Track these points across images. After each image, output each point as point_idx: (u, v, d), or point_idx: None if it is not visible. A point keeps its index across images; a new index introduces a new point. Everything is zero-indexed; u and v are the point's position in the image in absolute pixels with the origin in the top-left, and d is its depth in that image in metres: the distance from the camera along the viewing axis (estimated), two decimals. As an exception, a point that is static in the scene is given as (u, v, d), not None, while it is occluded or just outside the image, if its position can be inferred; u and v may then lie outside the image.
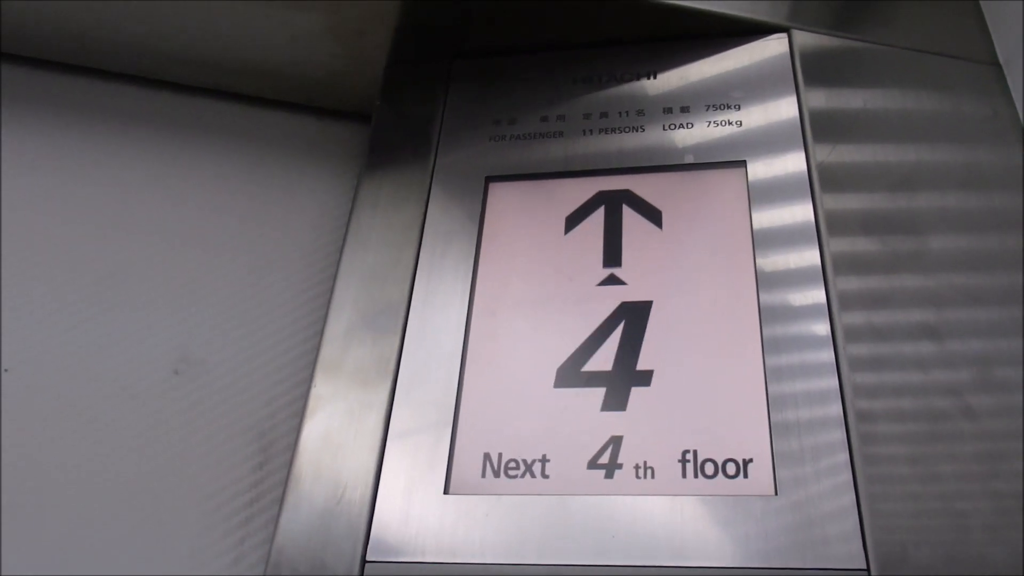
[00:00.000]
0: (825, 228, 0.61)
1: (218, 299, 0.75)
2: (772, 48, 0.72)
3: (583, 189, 0.68)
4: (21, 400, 0.68)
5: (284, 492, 0.57)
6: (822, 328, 0.57)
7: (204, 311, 0.75)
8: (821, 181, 0.64)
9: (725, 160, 0.67)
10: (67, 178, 0.80)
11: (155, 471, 0.67)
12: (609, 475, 0.54)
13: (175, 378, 0.71)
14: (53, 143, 0.82)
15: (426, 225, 0.68)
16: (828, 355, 0.55)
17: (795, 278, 0.60)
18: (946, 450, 0.52)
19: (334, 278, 0.67)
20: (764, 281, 0.60)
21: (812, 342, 0.57)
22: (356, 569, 0.52)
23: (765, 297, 0.59)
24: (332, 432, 0.59)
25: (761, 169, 0.65)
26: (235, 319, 0.75)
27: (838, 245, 0.61)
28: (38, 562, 0.63)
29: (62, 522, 0.64)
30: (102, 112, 0.85)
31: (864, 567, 0.48)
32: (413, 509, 0.54)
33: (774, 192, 0.64)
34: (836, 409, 0.53)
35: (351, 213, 0.71)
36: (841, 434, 0.52)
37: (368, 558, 0.53)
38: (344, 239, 0.70)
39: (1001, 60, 0.73)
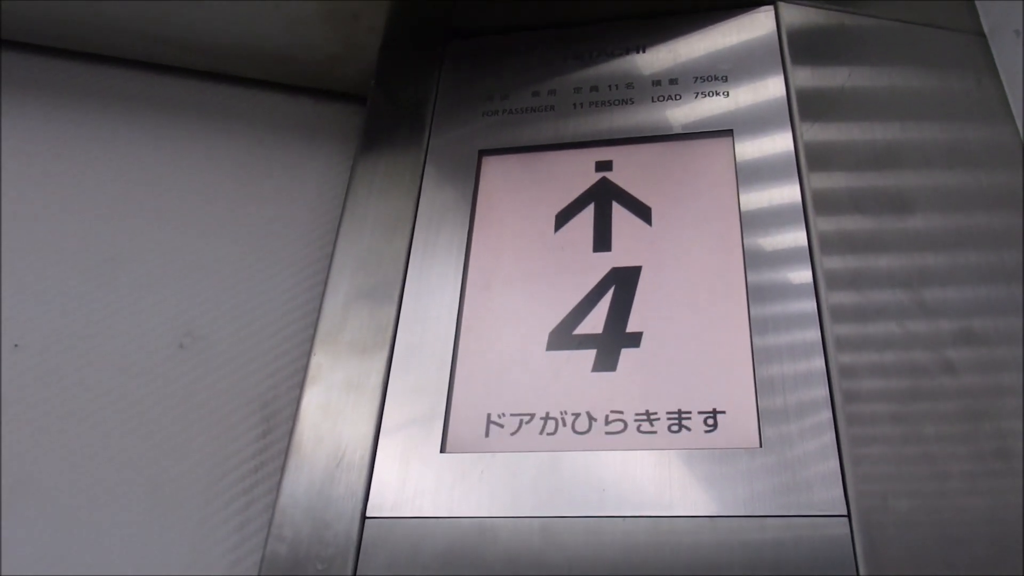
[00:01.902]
0: (811, 198, 0.62)
1: (220, 276, 0.77)
2: (759, 20, 0.74)
3: (573, 161, 0.70)
4: (32, 374, 0.70)
5: (286, 457, 0.58)
6: (807, 290, 0.58)
7: (207, 288, 0.76)
8: (806, 146, 0.65)
9: (712, 130, 0.68)
10: (72, 161, 0.82)
11: (162, 442, 0.69)
12: (599, 432, 0.55)
13: (181, 352, 0.73)
14: (57, 128, 0.84)
15: (421, 197, 0.70)
16: (814, 328, 0.57)
17: (782, 257, 0.61)
18: (926, 402, 0.53)
19: (332, 253, 0.69)
20: (752, 259, 0.61)
21: (796, 299, 0.58)
22: (356, 526, 0.54)
23: (753, 276, 0.60)
24: (332, 399, 0.60)
25: (748, 138, 0.67)
26: (237, 295, 0.76)
27: (819, 183, 0.62)
28: (50, 529, 0.65)
29: (73, 491, 0.66)
30: (103, 97, 0.87)
31: (845, 513, 0.49)
32: (411, 468, 0.56)
33: (760, 160, 0.66)
34: (819, 363, 0.55)
35: (347, 190, 0.73)
36: (824, 389, 0.54)
37: (368, 515, 0.54)
38: (341, 215, 0.71)
39: (985, 30, 0.74)
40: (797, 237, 0.61)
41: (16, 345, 0.71)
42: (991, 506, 0.50)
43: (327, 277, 0.68)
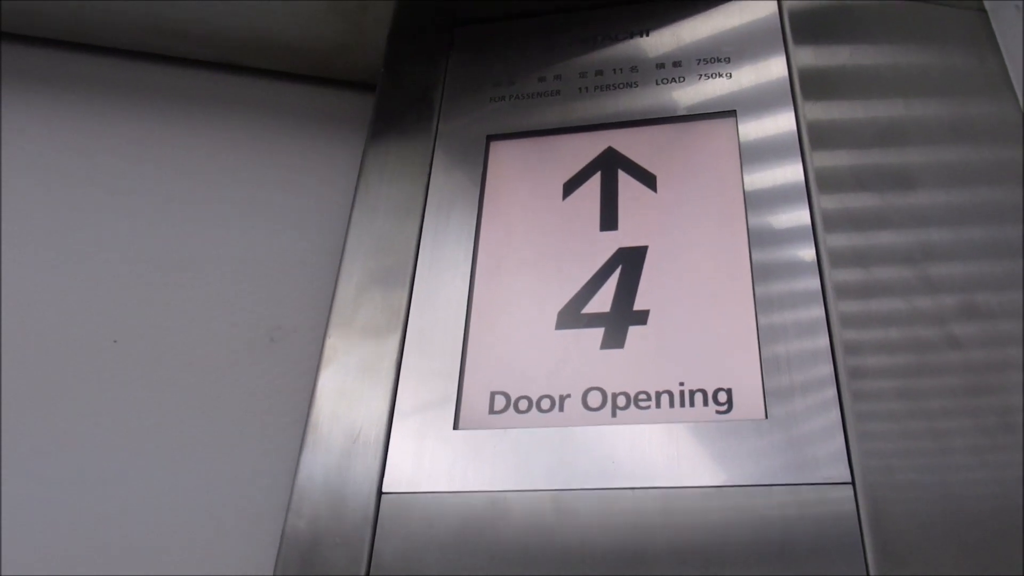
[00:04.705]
0: (814, 176, 0.63)
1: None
2: (761, 2, 0.74)
3: (580, 143, 0.71)
4: (130, 368, 0.75)
5: (303, 436, 0.60)
6: (809, 261, 0.59)
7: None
8: (808, 124, 0.66)
9: (716, 111, 0.69)
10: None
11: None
12: (608, 407, 0.57)
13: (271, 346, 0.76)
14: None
15: (431, 182, 0.71)
16: (816, 297, 0.58)
17: (786, 235, 0.62)
18: (931, 377, 0.54)
19: (344, 239, 0.70)
20: (756, 237, 0.62)
21: (800, 277, 0.59)
22: (373, 501, 0.56)
23: (757, 253, 0.61)
24: (347, 380, 0.62)
25: (751, 117, 0.68)
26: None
27: (822, 161, 0.63)
28: (154, 518, 0.69)
29: (171, 480, 0.70)
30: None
31: (849, 480, 0.50)
32: (425, 445, 0.57)
33: (763, 139, 0.67)
34: (823, 339, 0.56)
35: (359, 176, 0.74)
36: (828, 361, 0.55)
37: (384, 490, 0.56)
38: (353, 202, 0.73)
39: (987, 5, 0.75)
40: (800, 215, 0.62)
41: (115, 341, 0.74)
42: (995, 477, 0.51)
43: (340, 263, 0.69)
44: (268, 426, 0.73)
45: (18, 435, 0.72)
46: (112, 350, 0.75)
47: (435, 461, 0.57)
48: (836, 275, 0.59)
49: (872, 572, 0.47)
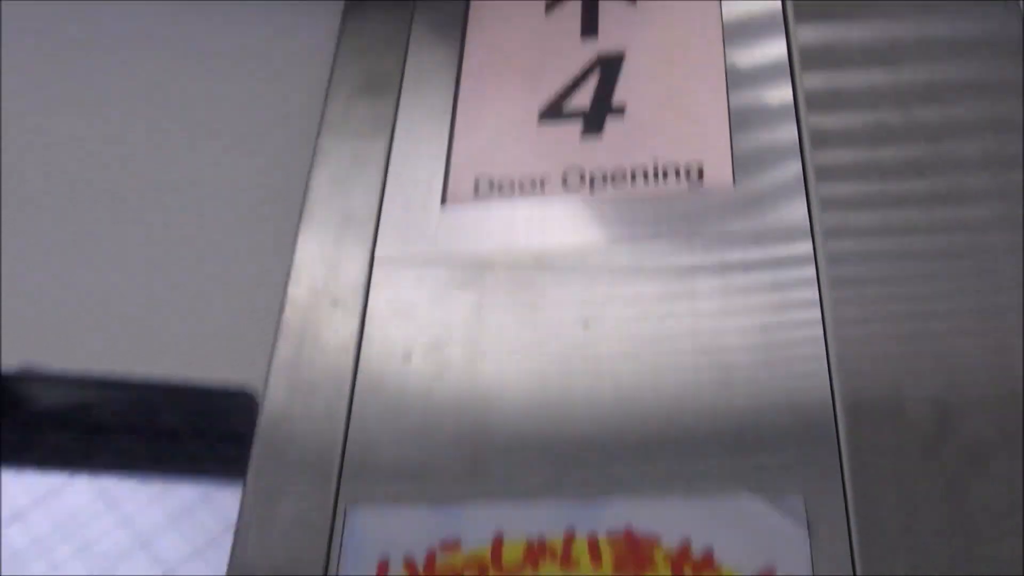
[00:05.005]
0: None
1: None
2: None
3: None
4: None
5: (299, 222, 0.63)
6: (781, 60, 0.63)
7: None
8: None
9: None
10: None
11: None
12: (588, 184, 0.60)
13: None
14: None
15: (416, 11, 0.74)
16: (784, 72, 0.62)
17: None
18: (892, 150, 0.58)
19: (332, 63, 0.73)
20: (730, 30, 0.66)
21: (772, 79, 0.63)
22: (366, 268, 0.59)
23: (730, 47, 0.65)
24: (339, 172, 0.65)
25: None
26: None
27: None
28: None
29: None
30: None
31: (808, 230, 0.54)
32: (413, 218, 0.61)
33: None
34: (791, 126, 0.60)
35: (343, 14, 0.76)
36: (793, 136, 0.59)
37: (376, 256, 0.60)
38: (339, 31, 0.75)
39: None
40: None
41: None
42: (951, 241, 0.54)
43: (329, 79, 0.72)
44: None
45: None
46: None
47: (423, 231, 0.60)
48: (801, 34, 0.63)
49: (823, 297, 0.52)
